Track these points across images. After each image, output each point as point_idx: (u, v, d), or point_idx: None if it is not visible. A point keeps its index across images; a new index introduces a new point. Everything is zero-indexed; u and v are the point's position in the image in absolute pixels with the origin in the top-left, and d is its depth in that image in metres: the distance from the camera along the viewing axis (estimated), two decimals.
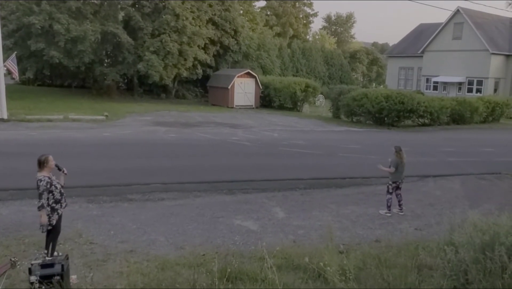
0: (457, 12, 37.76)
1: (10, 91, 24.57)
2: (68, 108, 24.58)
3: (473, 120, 27.23)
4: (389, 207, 9.66)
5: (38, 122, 19.96)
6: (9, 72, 21.49)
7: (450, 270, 5.70)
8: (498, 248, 5.62)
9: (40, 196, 6.16)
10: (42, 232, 6.40)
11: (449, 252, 5.82)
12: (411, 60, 43.41)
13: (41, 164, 6.27)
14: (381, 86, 48.43)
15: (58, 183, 6.43)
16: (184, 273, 6.22)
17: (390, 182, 9.68)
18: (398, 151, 9.64)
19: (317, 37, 66.67)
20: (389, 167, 9.59)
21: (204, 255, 6.92)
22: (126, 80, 37.94)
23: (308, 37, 63.84)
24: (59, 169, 6.49)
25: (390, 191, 9.68)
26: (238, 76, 31.69)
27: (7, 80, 22.72)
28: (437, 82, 39.75)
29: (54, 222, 6.33)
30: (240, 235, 7.98)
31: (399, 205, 9.78)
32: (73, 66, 30.09)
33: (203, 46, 33.82)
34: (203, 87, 37.16)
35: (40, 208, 6.16)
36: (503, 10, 69.36)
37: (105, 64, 34.19)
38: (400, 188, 9.77)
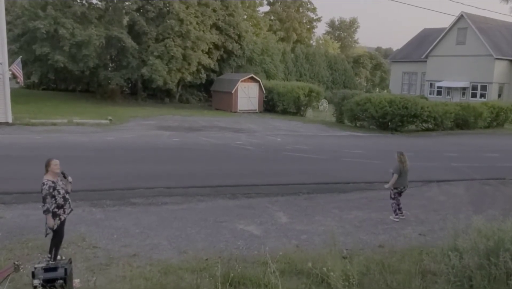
0: (461, 17, 37.76)
1: (15, 96, 24.73)
2: (72, 112, 24.70)
3: (477, 126, 27.12)
4: (395, 211, 9.60)
5: (42, 126, 20.06)
6: (14, 77, 21.65)
7: (454, 276, 5.68)
8: (502, 254, 5.60)
9: (43, 200, 6.24)
10: (45, 236, 6.43)
11: (453, 258, 5.80)
12: (415, 65, 43.39)
13: (45, 167, 6.39)
14: (385, 91, 48.41)
15: (62, 188, 6.46)
16: (187, 277, 6.22)
17: (392, 188, 9.58)
18: (399, 156, 9.56)
19: (320, 42, 66.76)
20: (392, 174, 9.50)
21: (207, 259, 6.91)
22: (130, 85, 38.11)
23: (311, 42, 63.91)
24: (65, 177, 6.56)
25: (393, 196, 9.62)
26: (241, 81, 31.76)
27: (12, 85, 22.85)
28: (441, 87, 39.71)
29: (55, 227, 6.35)
30: (243, 240, 7.97)
31: (399, 209, 9.66)
32: (78, 70, 30.29)
33: (207, 50, 33.95)
34: (207, 92, 37.26)
35: (46, 212, 6.22)
36: (507, 15, 69.22)
37: (109, 69, 34.40)
38: (401, 194, 9.64)
